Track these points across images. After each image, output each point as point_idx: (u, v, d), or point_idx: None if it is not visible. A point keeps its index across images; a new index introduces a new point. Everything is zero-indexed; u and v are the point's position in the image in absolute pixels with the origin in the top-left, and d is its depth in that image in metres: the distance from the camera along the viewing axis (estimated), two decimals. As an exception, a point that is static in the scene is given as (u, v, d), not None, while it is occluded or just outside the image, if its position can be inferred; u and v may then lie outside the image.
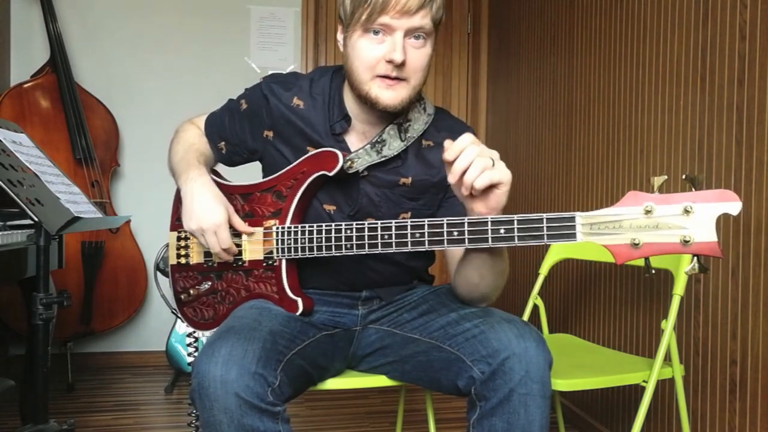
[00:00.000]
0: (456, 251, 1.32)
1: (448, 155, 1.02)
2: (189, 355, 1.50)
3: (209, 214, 1.25)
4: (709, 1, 1.69)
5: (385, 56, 1.18)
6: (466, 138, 1.02)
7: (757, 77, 1.52)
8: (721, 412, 1.63)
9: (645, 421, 1.48)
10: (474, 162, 1.01)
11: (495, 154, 1.04)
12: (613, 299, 2.12)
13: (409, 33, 1.18)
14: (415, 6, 1.15)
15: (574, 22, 2.41)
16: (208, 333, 1.38)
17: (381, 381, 1.38)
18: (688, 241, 0.94)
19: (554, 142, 2.57)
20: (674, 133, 1.82)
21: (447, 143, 1.03)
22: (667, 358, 1.52)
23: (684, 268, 0.98)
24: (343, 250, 1.19)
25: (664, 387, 1.83)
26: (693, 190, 0.95)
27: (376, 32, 1.18)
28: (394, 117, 1.31)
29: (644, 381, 1.48)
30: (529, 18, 2.85)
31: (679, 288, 1.50)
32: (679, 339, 1.77)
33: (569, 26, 2.46)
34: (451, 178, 1.03)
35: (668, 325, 1.47)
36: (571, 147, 2.43)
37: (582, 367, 1.60)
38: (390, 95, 1.21)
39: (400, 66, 1.19)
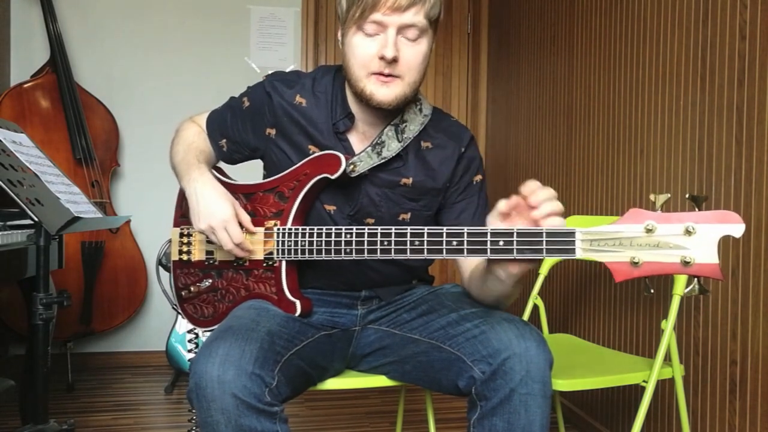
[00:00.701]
0: (469, 260, 1.32)
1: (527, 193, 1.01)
2: (190, 351, 1.49)
3: (216, 211, 1.25)
4: (709, 1, 1.68)
5: (378, 53, 1.18)
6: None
7: (757, 77, 1.52)
8: (721, 412, 1.63)
9: (645, 421, 1.48)
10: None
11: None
12: (613, 299, 2.12)
13: (402, 30, 1.18)
14: (405, 2, 1.15)
15: (574, 22, 2.41)
16: (207, 331, 1.39)
17: (381, 381, 1.38)
18: (689, 262, 0.91)
19: (554, 142, 2.57)
20: (674, 133, 1.82)
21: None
22: (667, 358, 1.52)
23: (683, 289, 0.95)
24: (343, 255, 1.19)
25: (664, 387, 1.83)
26: (696, 209, 0.93)
27: (369, 29, 1.19)
28: (392, 117, 1.31)
29: (644, 381, 1.48)
30: (529, 18, 2.85)
31: (679, 288, 1.49)
32: (679, 339, 1.77)
33: (569, 26, 2.46)
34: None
35: (668, 325, 1.47)
36: (571, 147, 2.43)
37: (582, 367, 1.59)
38: (384, 92, 1.21)
39: (393, 63, 1.19)
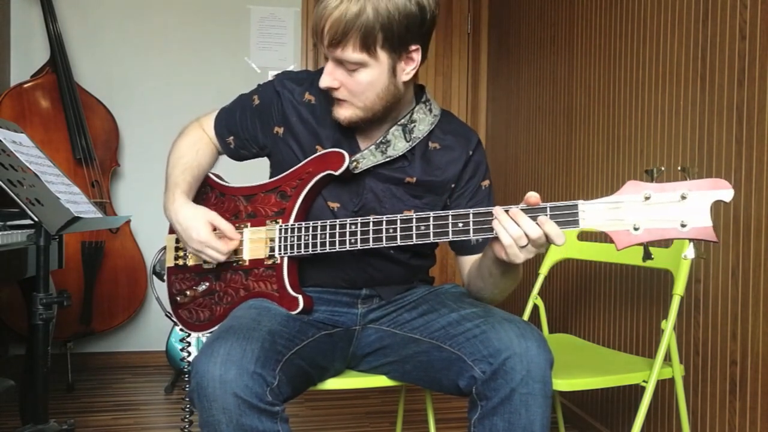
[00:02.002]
0: (469, 259, 1.34)
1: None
2: (182, 360, 1.51)
3: (192, 234, 1.29)
4: (709, 1, 1.69)
5: None
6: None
7: (757, 77, 1.52)
8: (721, 412, 1.63)
9: (645, 421, 1.48)
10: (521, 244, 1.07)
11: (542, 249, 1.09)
12: (613, 299, 2.12)
13: (339, 61, 1.21)
14: (328, 42, 1.19)
15: (574, 22, 2.41)
16: (204, 333, 1.38)
17: (381, 381, 1.38)
18: (685, 226, 0.98)
19: (554, 142, 2.57)
20: (674, 133, 1.82)
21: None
22: (667, 358, 1.52)
23: (682, 253, 1.02)
24: (347, 246, 1.20)
25: (664, 387, 1.83)
26: (687, 179, 0.99)
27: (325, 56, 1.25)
28: (396, 117, 1.32)
29: (644, 381, 1.48)
30: (529, 18, 2.85)
31: (679, 288, 1.50)
32: (679, 339, 1.77)
33: (569, 26, 2.46)
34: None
35: (668, 325, 1.47)
36: (571, 147, 2.43)
37: (582, 367, 1.60)
38: (338, 111, 1.27)
39: (331, 90, 1.24)
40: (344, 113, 1.26)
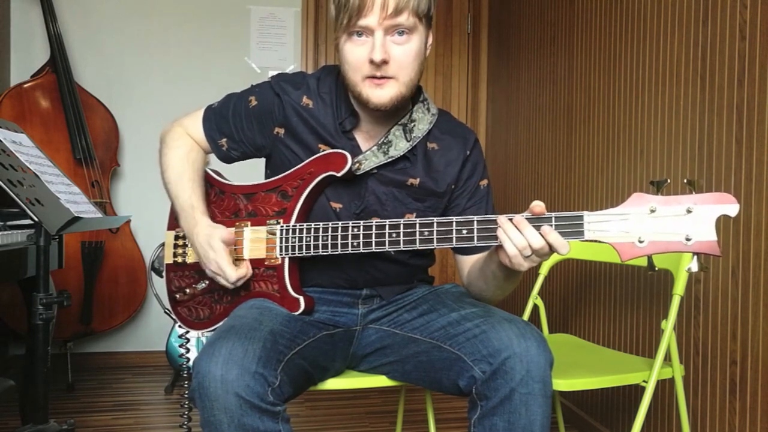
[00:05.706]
0: (469, 259, 1.35)
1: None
2: (180, 356, 1.50)
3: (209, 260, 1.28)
4: (709, 1, 1.69)
5: (367, 57, 1.20)
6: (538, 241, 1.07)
7: (757, 77, 1.52)
8: (721, 412, 1.63)
9: (645, 421, 1.48)
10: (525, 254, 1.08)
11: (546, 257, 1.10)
12: (613, 299, 2.12)
13: (390, 31, 1.19)
14: (394, 8, 1.16)
15: (574, 22, 2.41)
16: (204, 332, 1.39)
17: (381, 381, 1.38)
18: (690, 240, 0.98)
19: (554, 142, 2.57)
20: (674, 133, 1.82)
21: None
22: (667, 358, 1.52)
23: (685, 266, 1.03)
24: (350, 249, 1.20)
25: (664, 387, 1.83)
26: (693, 192, 0.99)
27: (359, 34, 1.20)
28: (398, 117, 1.32)
29: (644, 381, 1.48)
30: (529, 18, 2.85)
31: (679, 288, 1.50)
32: (679, 339, 1.77)
33: (569, 26, 2.46)
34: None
35: (668, 325, 1.47)
36: (571, 147, 2.43)
37: (582, 367, 1.60)
38: (379, 94, 1.23)
39: (383, 65, 1.20)
40: (388, 93, 1.22)
